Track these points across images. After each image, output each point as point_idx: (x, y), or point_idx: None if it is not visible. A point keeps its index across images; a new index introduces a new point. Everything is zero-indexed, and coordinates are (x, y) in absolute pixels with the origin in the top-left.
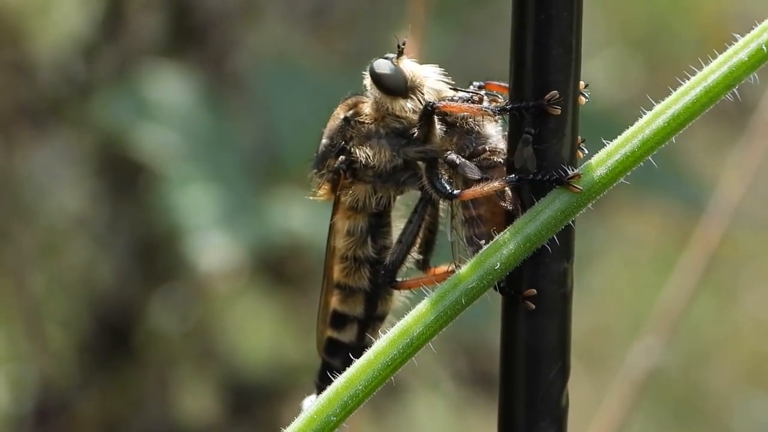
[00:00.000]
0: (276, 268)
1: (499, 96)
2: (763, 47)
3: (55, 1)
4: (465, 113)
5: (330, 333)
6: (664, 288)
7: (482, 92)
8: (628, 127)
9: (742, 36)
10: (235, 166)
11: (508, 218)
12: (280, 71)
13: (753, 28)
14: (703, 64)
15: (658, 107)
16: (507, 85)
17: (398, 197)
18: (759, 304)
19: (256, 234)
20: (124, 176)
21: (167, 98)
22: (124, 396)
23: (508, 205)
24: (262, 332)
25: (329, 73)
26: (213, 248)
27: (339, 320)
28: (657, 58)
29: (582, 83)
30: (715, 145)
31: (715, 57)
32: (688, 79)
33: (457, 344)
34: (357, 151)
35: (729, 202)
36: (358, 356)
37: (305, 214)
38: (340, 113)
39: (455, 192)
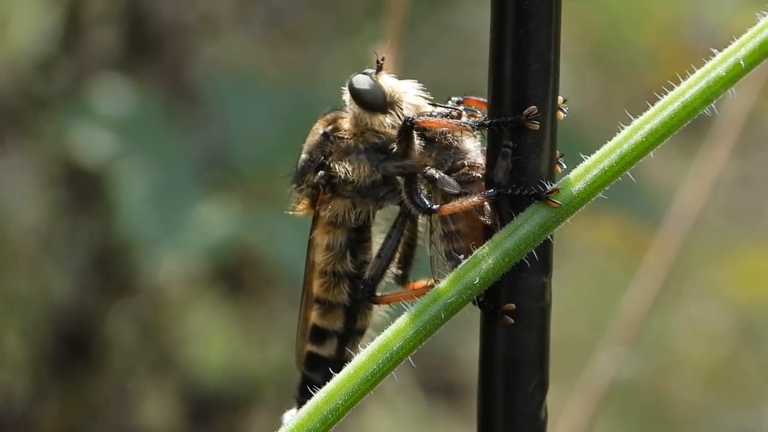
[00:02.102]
0: (231, 276)
1: (478, 111)
2: (741, 62)
3: (11, 16)
4: (444, 128)
5: (310, 347)
6: (624, 297)
7: (461, 107)
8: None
9: (720, 51)
10: (189, 176)
11: (487, 233)
12: (234, 82)
13: (732, 42)
14: (681, 79)
15: (636, 122)
16: (486, 100)
17: (377, 212)
18: (724, 313)
19: (210, 243)
20: (81, 189)
21: (122, 110)
22: (82, 406)
23: (486, 220)
24: (218, 341)
25: (282, 83)
26: (167, 257)
27: (318, 335)
28: (610, 68)
29: (560, 98)
30: (675, 153)
31: (668, 67)
32: (666, 93)
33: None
34: (336, 166)
35: (688, 212)
36: (337, 371)
37: (259, 223)
38: (319, 128)
39: (434, 207)
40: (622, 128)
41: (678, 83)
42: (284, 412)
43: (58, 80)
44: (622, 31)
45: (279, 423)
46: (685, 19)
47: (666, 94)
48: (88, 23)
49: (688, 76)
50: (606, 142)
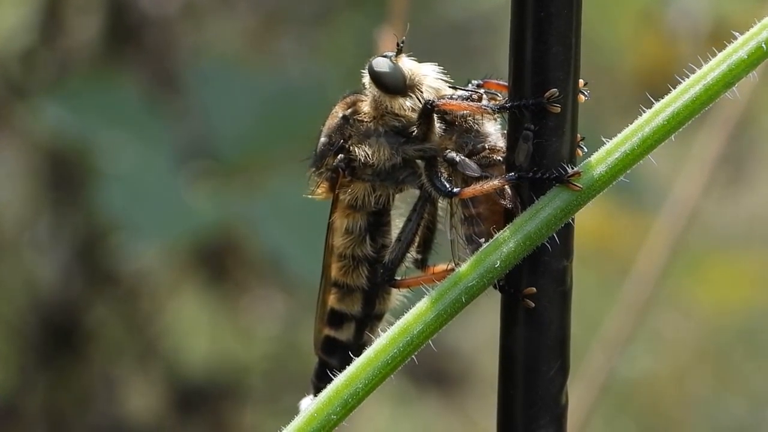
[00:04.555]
0: (215, 263)
1: (498, 94)
2: (763, 45)
3: None
4: (464, 111)
5: (327, 331)
6: (621, 290)
7: (481, 90)
8: None
9: (742, 34)
10: (172, 163)
11: (508, 216)
12: (216, 70)
13: (752, 26)
14: (702, 62)
15: (657, 105)
16: (506, 83)
17: (397, 196)
18: (721, 306)
19: (193, 230)
20: (64, 178)
21: (105, 100)
22: (69, 395)
23: (507, 203)
24: (203, 329)
25: (264, 70)
26: (150, 245)
27: (336, 319)
28: (592, 52)
29: (581, 81)
30: (672, 143)
31: (650, 50)
32: (687, 77)
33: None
34: (356, 149)
35: (685, 201)
36: (356, 355)
37: (242, 210)
38: (338, 111)
39: (455, 190)
40: (643, 111)
41: (668, 69)
42: (271, 400)
43: (40, 70)
44: (603, 14)
45: (266, 412)
46: (666, 3)
47: (687, 77)
48: (69, 13)
49: (709, 59)
50: (592, 125)
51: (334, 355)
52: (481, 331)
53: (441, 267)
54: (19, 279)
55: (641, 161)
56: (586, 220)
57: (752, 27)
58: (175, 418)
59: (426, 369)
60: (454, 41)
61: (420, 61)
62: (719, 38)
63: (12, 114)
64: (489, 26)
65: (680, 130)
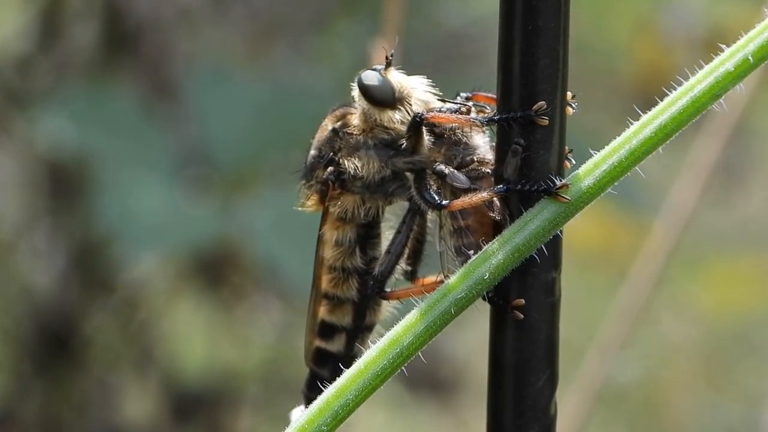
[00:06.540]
0: (212, 271)
1: (487, 107)
2: (749, 57)
3: None
4: (453, 124)
5: (318, 343)
6: (617, 296)
7: (470, 103)
8: None
9: (729, 46)
10: (168, 171)
11: (497, 228)
12: (212, 77)
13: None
14: (690, 74)
15: (645, 117)
16: (494, 96)
17: (387, 208)
18: (715, 308)
19: (190, 238)
20: (61, 186)
21: (101, 107)
22: (65, 402)
23: (496, 215)
24: (200, 336)
25: (261, 78)
26: (147, 253)
27: (327, 330)
28: (587, 60)
29: (569, 94)
30: (668, 147)
31: (645, 58)
32: (675, 89)
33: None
34: (345, 162)
35: (682, 208)
36: (346, 366)
37: (239, 218)
38: (328, 124)
39: (444, 202)
40: (631, 123)
41: (665, 76)
42: (267, 407)
43: (36, 78)
44: (598, 22)
45: (262, 418)
46: (662, 9)
47: (674, 90)
48: (65, 20)
49: (697, 72)
50: (587, 134)
51: (325, 366)
52: (474, 335)
53: (430, 279)
54: (16, 286)
55: (629, 173)
56: (583, 226)
57: (739, 39)
58: (172, 425)
59: (419, 373)
60: (448, 48)
61: (413, 70)
62: (715, 44)
63: (9, 122)
64: (483, 33)
65: (668, 141)
